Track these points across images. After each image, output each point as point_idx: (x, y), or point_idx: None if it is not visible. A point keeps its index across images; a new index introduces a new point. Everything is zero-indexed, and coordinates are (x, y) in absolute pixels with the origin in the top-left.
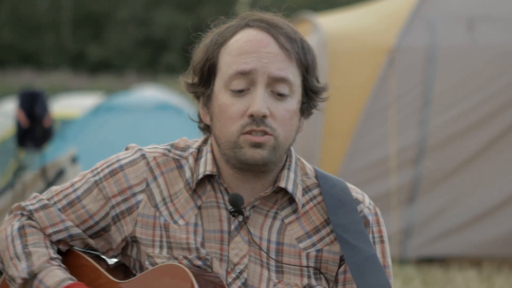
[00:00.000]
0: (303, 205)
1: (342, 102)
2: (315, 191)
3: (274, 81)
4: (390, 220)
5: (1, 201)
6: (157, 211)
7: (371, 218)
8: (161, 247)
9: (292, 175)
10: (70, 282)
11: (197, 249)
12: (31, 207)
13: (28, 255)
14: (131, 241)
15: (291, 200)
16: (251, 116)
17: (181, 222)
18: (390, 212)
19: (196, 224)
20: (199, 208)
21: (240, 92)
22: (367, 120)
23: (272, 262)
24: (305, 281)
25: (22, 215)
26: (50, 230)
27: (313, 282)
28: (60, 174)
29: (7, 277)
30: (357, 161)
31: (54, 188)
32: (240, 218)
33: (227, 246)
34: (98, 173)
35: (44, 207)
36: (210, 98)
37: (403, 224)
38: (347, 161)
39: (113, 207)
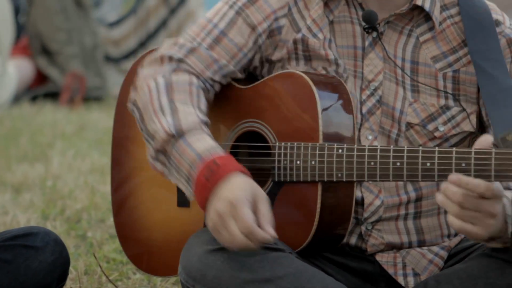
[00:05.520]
0: (440, 23)
1: None
2: (453, 10)
3: None
4: None
5: (124, 27)
6: (299, 33)
7: None
8: (297, 59)
9: None
10: (221, 152)
11: (336, 62)
12: (179, 55)
13: (174, 111)
14: (265, 61)
15: (428, 17)
16: None
17: (320, 36)
18: None
19: (330, 40)
20: (331, 23)
21: None
22: None
23: (408, 81)
24: (442, 101)
25: (170, 61)
26: (207, 73)
27: (451, 103)
28: (182, 1)
29: (144, 134)
30: None
31: (190, 31)
32: (374, 34)
33: (361, 63)
34: (234, 3)
35: (192, 51)
36: None
37: None
38: None
39: (260, 35)
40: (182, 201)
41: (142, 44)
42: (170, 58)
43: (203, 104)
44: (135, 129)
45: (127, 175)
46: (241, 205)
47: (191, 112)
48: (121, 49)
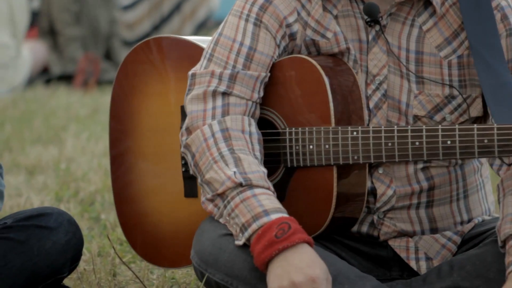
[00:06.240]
0: (440, 6)
1: None
2: None
3: None
4: None
5: (138, 10)
6: (307, 37)
7: (508, 10)
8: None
9: None
10: (288, 215)
11: (348, 51)
12: (222, 87)
13: (237, 160)
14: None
15: (427, 3)
16: None
17: (329, 34)
18: None
19: (341, 32)
20: (336, 17)
21: None
22: None
23: (412, 71)
24: (447, 91)
25: (215, 97)
26: (255, 95)
27: (456, 91)
28: None
29: (199, 179)
30: None
31: (217, 53)
32: (377, 27)
33: (365, 57)
34: (248, 15)
35: (232, 78)
36: None
37: None
38: None
39: (280, 41)
40: (190, 191)
41: (156, 28)
42: (214, 93)
43: (258, 150)
44: (131, 125)
45: (128, 168)
46: (322, 286)
47: (254, 162)
48: (135, 32)
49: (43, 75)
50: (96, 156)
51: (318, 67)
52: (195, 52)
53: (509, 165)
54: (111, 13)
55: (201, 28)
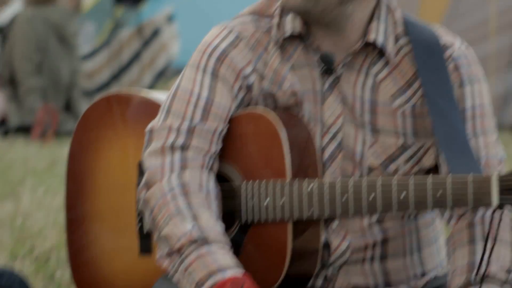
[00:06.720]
0: (395, 55)
1: None
2: (404, 40)
3: None
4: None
5: (98, 59)
6: (265, 88)
7: (460, 61)
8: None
9: (382, 26)
10: (243, 272)
11: (302, 105)
12: (180, 141)
13: (195, 217)
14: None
15: (382, 53)
16: None
17: (285, 85)
18: (488, 77)
19: (297, 83)
20: (292, 68)
21: None
22: None
23: (367, 123)
24: (401, 140)
25: (173, 151)
26: (213, 148)
27: (410, 141)
28: (156, 33)
29: (156, 235)
30: (455, 24)
31: (174, 107)
32: (332, 77)
33: (320, 107)
34: (205, 66)
35: (189, 131)
36: None
37: (501, 90)
38: (445, 23)
39: (237, 92)
40: (145, 248)
41: (115, 77)
42: (172, 147)
43: (215, 207)
44: (88, 184)
45: (84, 232)
46: None
47: (212, 218)
48: (94, 81)
49: (1, 127)
50: (53, 211)
51: (274, 122)
52: (154, 109)
53: (459, 216)
54: (72, 64)
55: (161, 76)
